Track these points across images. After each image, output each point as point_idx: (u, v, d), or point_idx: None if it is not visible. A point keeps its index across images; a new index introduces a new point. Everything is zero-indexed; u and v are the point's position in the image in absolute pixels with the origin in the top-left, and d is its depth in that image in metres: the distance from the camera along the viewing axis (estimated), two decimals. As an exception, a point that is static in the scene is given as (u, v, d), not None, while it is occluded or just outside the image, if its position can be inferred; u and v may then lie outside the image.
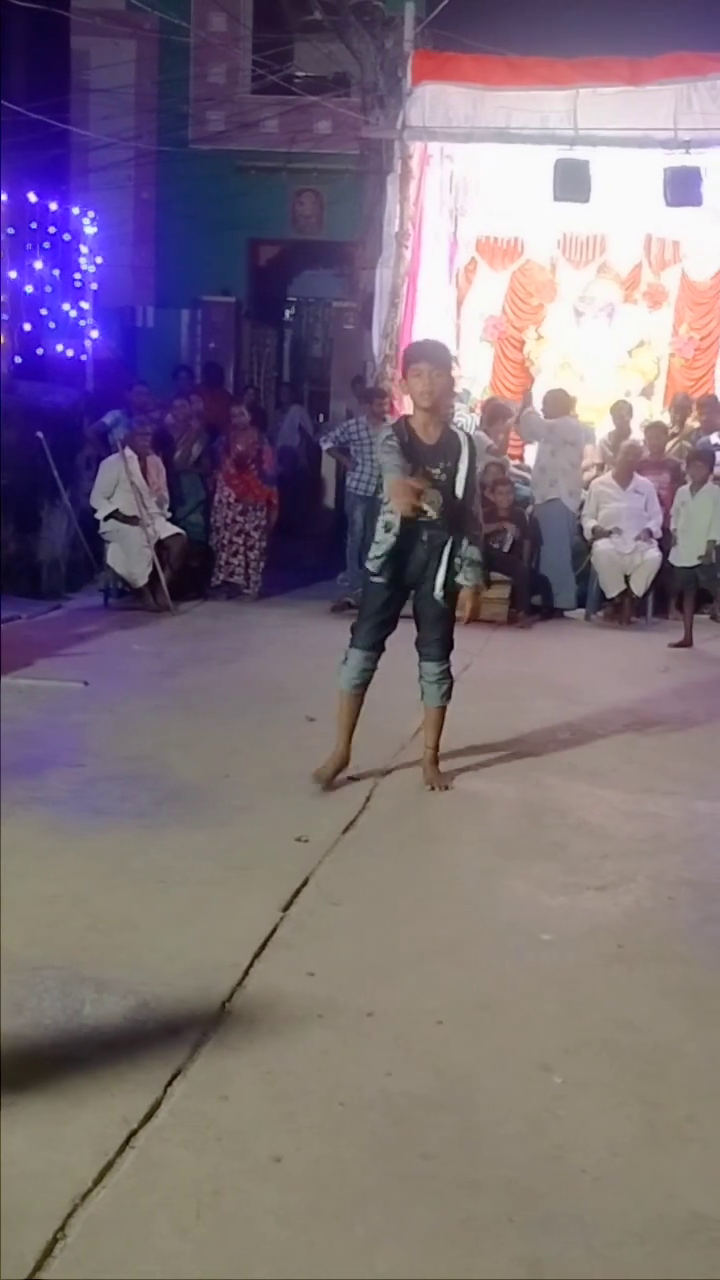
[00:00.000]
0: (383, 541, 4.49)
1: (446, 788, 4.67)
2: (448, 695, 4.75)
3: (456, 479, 4.47)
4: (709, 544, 8.45)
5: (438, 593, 4.54)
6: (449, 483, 4.46)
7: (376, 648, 4.59)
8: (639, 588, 9.09)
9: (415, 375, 4.45)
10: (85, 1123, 2.35)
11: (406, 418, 4.63)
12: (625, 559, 9.07)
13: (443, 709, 4.75)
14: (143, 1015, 2.78)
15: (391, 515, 4.43)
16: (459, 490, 4.48)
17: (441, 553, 4.51)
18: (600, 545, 9.15)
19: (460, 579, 4.54)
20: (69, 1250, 2.00)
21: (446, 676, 4.73)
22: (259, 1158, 2.28)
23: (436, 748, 4.76)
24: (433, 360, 4.50)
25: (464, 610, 4.61)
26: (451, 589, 4.56)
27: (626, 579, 9.11)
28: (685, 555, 8.60)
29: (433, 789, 4.64)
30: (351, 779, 4.67)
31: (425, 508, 4.36)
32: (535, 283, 11.63)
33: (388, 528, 4.47)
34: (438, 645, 4.67)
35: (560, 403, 9.58)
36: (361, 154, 11.31)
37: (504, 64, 9.83)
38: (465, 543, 4.53)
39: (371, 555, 4.56)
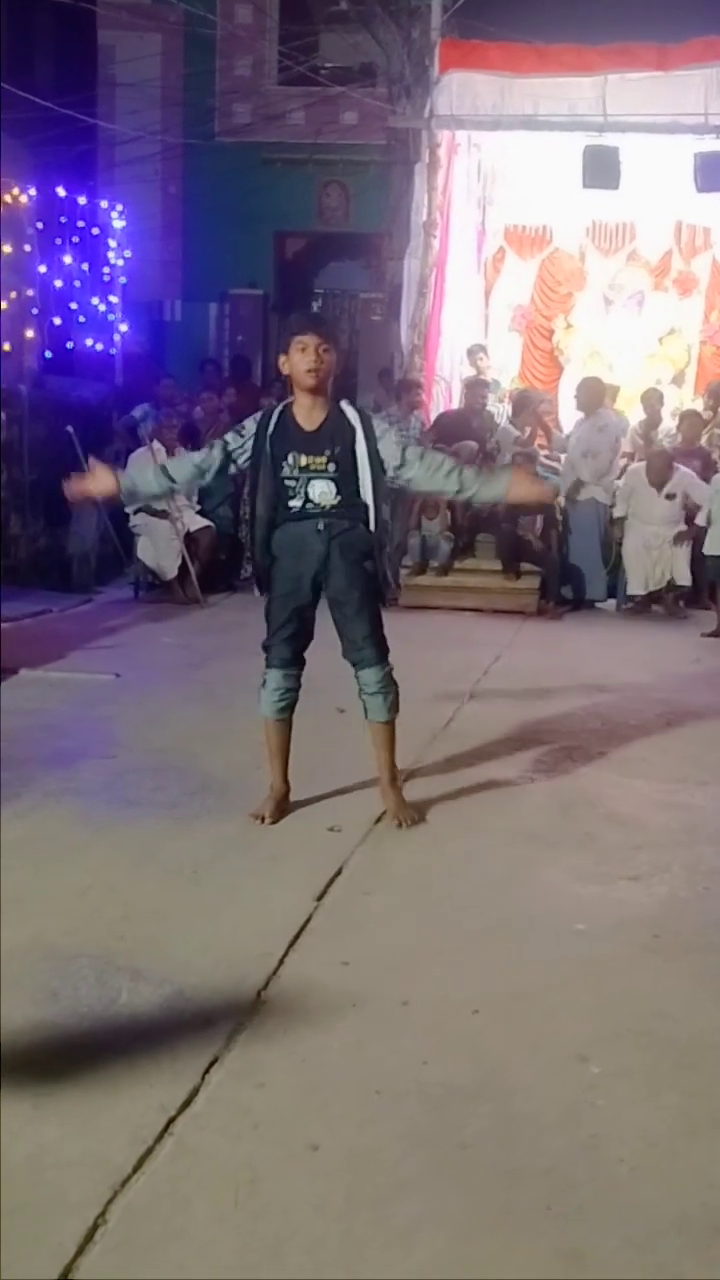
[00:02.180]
0: (258, 540, 4.03)
1: (414, 821, 4.07)
2: (394, 707, 4.08)
3: (358, 463, 3.85)
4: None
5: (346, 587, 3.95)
6: (344, 470, 3.85)
7: (293, 663, 4.07)
8: (681, 576, 8.99)
9: (300, 349, 3.79)
10: (122, 1111, 2.36)
11: (288, 404, 3.92)
12: (654, 552, 8.99)
13: (391, 724, 4.10)
14: (178, 1004, 2.79)
15: (258, 529, 4.00)
16: (362, 475, 3.86)
17: (343, 541, 3.91)
18: (629, 542, 9.08)
19: (497, 487, 3.98)
20: (109, 1236, 2.01)
21: (389, 684, 4.05)
22: (296, 1146, 2.29)
23: (393, 770, 4.15)
24: (320, 333, 3.83)
25: (531, 490, 4.06)
26: (368, 586, 3.98)
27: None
28: (716, 544, 8.53)
29: (400, 825, 4.03)
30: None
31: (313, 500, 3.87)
32: (564, 271, 11.56)
33: (255, 539, 4.05)
34: (370, 648, 4.01)
35: (594, 392, 9.52)
36: (388, 144, 11.29)
37: (531, 51, 9.78)
38: (456, 482, 3.92)
39: (254, 558, 4.08)
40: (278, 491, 3.91)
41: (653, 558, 9.01)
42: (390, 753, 4.14)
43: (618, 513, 9.23)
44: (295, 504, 3.91)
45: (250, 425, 3.95)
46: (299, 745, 5.05)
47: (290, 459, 3.87)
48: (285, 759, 4.17)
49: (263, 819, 4.06)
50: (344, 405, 3.96)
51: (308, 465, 3.86)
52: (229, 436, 4.00)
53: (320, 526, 3.91)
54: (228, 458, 3.98)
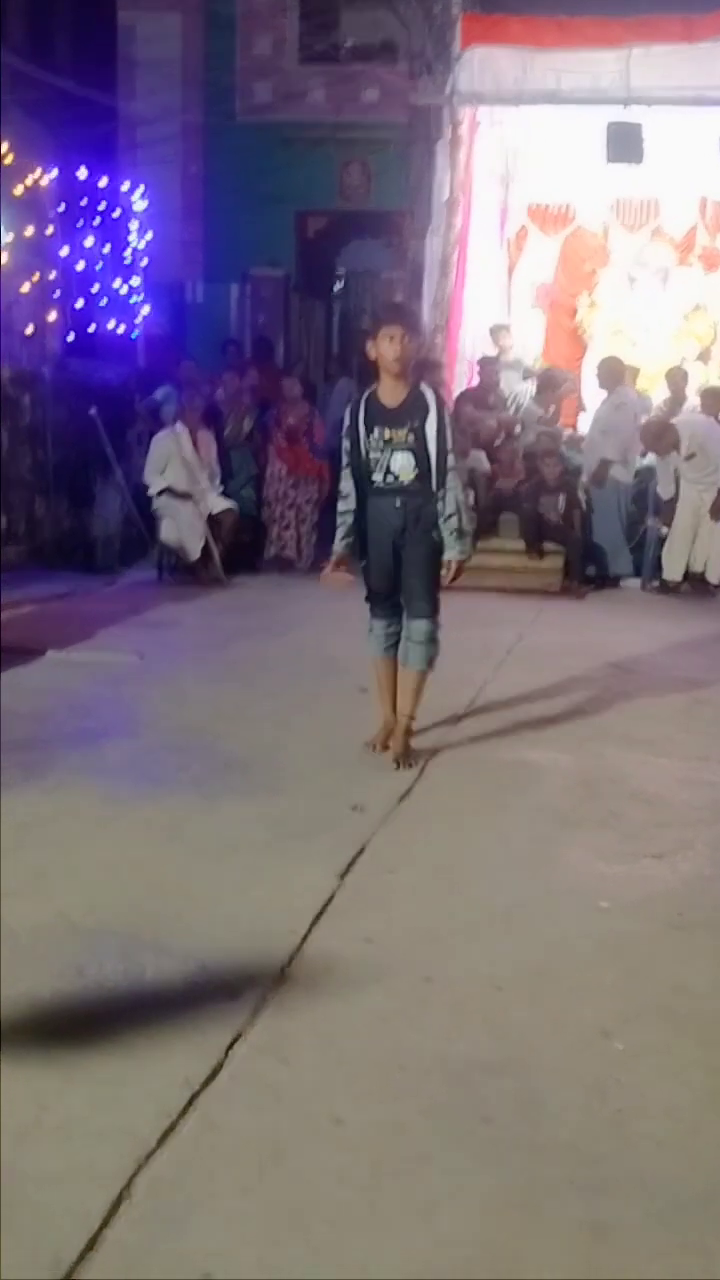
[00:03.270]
0: (342, 523, 4.57)
1: (411, 765, 4.49)
2: (430, 662, 4.58)
3: (426, 439, 4.39)
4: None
5: (415, 553, 4.50)
6: (418, 444, 4.40)
7: (392, 612, 4.63)
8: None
9: (389, 339, 4.37)
10: (148, 1084, 2.38)
11: (375, 386, 4.52)
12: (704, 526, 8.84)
13: (422, 675, 4.59)
14: (202, 979, 2.81)
15: (345, 497, 4.54)
16: (431, 450, 4.40)
17: (418, 514, 4.45)
18: (682, 515, 8.90)
19: (446, 554, 4.47)
20: (134, 1208, 2.02)
21: (431, 639, 4.57)
22: (320, 1119, 2.30)
23: (411, 718, 4.62)
24: (406, 324, 4.47)
25: (448, 577, 4.52)
26: (430, 550, 4.49)
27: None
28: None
29: (398, 766, 4.46)
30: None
31: (394, 474, 4.41)
32: (587, 248, 11.43)
33: (343, 514, 4.56)
34: (423, 601, 4.55)
35: (613, 372, 9.44)
36: (409, 122, 11.17)
37: (554, 24, 9.64)
38: (449, 510, 4.44)
39: (337, 539, 4.59)
40: (366, 466, 4.46)
41: (703, 532, 8.83)
42: (413, 700, 4.60)
43: (666, 492, 9.04)
44: (378, 478, 4.46)
45: (346, 419, 4.53)
46: (321, 724, 5.08)
47: (376, 432, 4.43)
48: (393, 693, 4.65)
49: (374, 747, 4.60)
50: (423, 387, 4.53)
51: (390, 438, 4.41)
52: (346, 442, 4.53)
53: (398, 504, 4.46)
54: (362, 455, 4.48)
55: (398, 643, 4.62)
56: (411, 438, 4.39)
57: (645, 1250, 2.00)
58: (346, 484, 4.57)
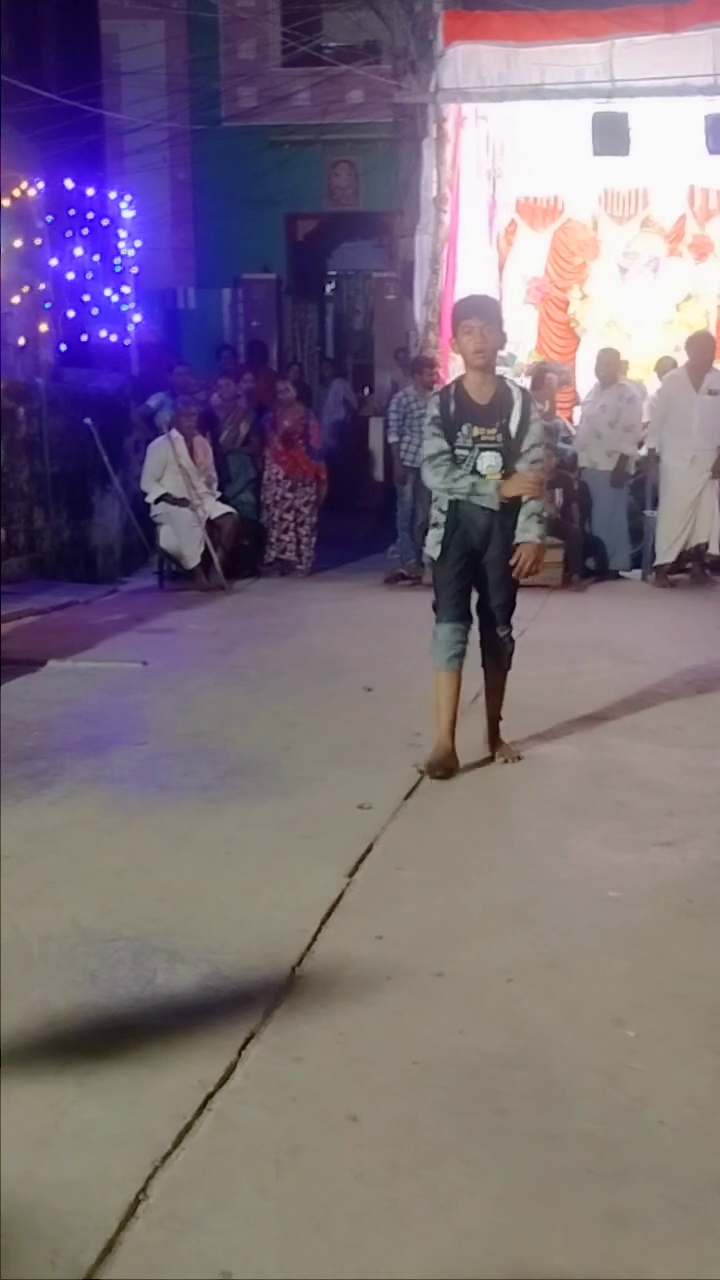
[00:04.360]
0: (440, 526, 4.39)
1: (519, 758, 4.54)
2: (509, 660, 4.59)
3: (512, 436, 4.29)
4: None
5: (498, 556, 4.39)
6: (506, 441, 4.29)
7: (463, 618, 4.45)
8: (708, 536, 8.87)
9: (466, 332, 4.27)
10: (162, 1087, 2.38)
11: (460, 380, 4.43)
12: (690, 495, 8.79)
13: (506, 674, 4.60)
14: (215, 982, 2.81)
15: (441, 504, 4.37)
16: (523, 446, 4.30)
17: (505, 517, 4.34)
18: (667, 494, 8.87)
19: (520, 534, 4.35)
20: (151, 1210, 2.03)
21: (510, 640, 4.57)
22: (335, 1117, 2.30)
23: (498, 716, 4.61)
24: (484, 315, 4.31)
25: (521, 568, 4.39)
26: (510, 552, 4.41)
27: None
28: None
29: (506, 761, 4.51)
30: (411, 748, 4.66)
31: (484, 474, 4.28)
32: (577, 241, 11.44)
33: (442, 511, 4.38)
34: (503, 610, 4.51)
35: (613, 365, 9.44)
36: (395, 121, 11.21)
37: (536, 19, 9.65)
38: (525, 498, 4.35)
39: (430, 542, 4.46)
40: (455, 462, 4.29)
41: (688, 504, 8.77)
42: (500, 697, 4.57)
43: (650, 443, 8.96)
44: (470, 477, 4.28)
45: (434, 410, 4.36)
46: (327, 725, 5.08)
47: (464, 430, 4.27)
48: (454, 711, 4.40)
49: (429, 772, 4.31)
50: (508, 381, 4.47)
51: (480, 436, 4.26)
52: (435, 428, 4.33)
53: (486, 505, 4.29)
54: (450, 444, 4.30)
55: (464, 654, 4.44)
56: (500, 436, 4.27)
57: (665, 1237, 2.00)
58: (437, 477, 4.32)
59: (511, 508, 4.33)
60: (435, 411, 4.36)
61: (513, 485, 4.29)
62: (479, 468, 4.28)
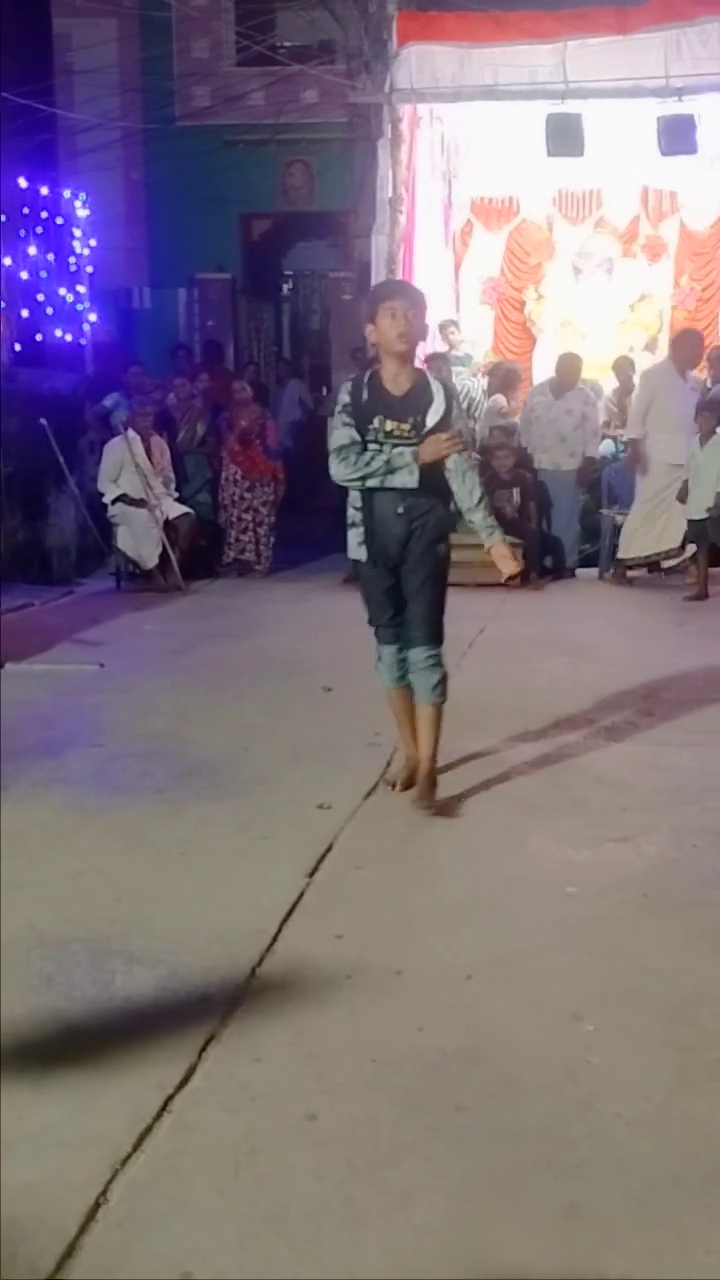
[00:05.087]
0: (359, 526, 3.97)
1: (437, 810, 3.97)
2: (443, 690, 4.03)
3: (428, 432, 3.83)
4: (718, 495, 8.37)
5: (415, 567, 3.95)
6: (421, 438, 3.82)
7: (401, 637, 4.08)
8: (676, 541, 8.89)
9: (388, 315, 3.81)
10: (121, 1090, 2.37)
11: (376, 369, 3.96)
12: (669, 492, 8.77)
13: (436, 708, 4.03)
14: (173, 984, 2.80)
15: (355, 500, 3.95)
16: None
17: (423, 523, 3.91)
18: (647, 495, 8.79)
19: (489, 539, 4.04)
20: (110, 1213, 2.02)
21: (439, 664, 4.02)
22: (294, 1116, 2.30)
23: (434, 760, 4.06)
24: (408, 299, 3.89)
25: (510, 574, 4.12)
26: (432, 563, 3.96)
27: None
28: (695, 507, 8.54)
29: (432, 812, 3.95)
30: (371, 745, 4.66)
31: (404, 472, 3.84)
32: (532, 242, 11.51)
33: (357, 509, 3.95)
34: (422, 628, 3.99)
35: (575, 371, 9.49)
36: (350, 121, 11.22)
37: (489, 20, 9.69)
38: (475, 499, 3.97)
39: (352, 543, 4.02)
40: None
41: (666, 501, 8.74)
42: (431, 737, 4.04)
43: (631, 433, 8.81)
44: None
45: (345, 398, 3.94)
46: (285, 725, 5.08)
47: (376, 422, 3.85)
48: (413, 725, 4.14)
49: (393, 786, 4.16)
50: (430, 376, 4.01)
51: (392, 430, 3.84)
52: (345, 417, 3.92)
53: (400, 509, 3.89)
54: (361, 436, 3.89)
55: (409, 670, 4.11)
56: (414, 433, 3.83)
57: (621, 1229, 2.02)
58: (345, 468, 3.87)
59: (427, 507, 3.91)
60: (346, 399, 3.93)
61: (429, 448, 3.81)
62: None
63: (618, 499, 9.46)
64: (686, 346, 9.04)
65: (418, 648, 4.01)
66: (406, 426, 3.83)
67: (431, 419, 3.83)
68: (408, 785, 4.15)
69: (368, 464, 3.86)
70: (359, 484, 3.91)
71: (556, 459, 9.37)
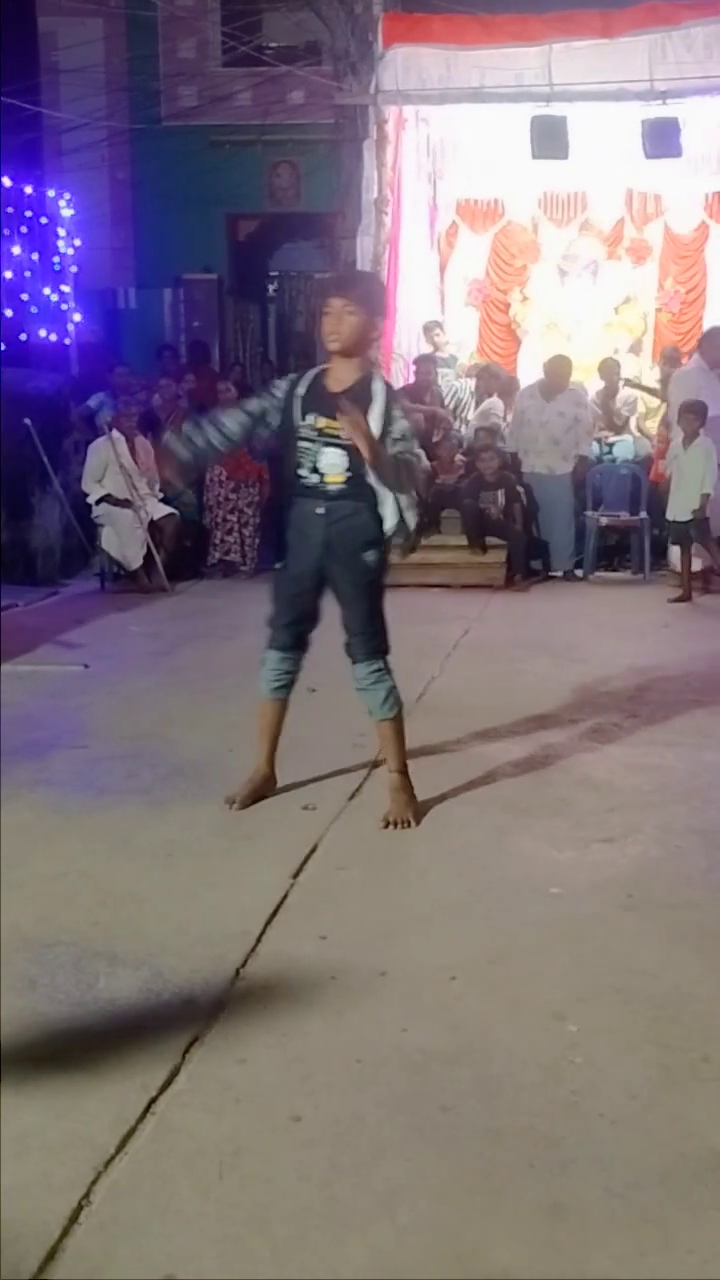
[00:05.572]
0: (197, 430, 3.88)
1: (404, 826, 3.83)
2: (394, 704, 3.91)
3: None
4: (702, 497, 8.40)
5: (348, 573, 3.80)
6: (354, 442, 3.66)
7: (296, 646, 3.95)
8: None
9: (324, 312, 3.73)
10: (104, 1093, 2.36)
11: (327, 366, 3.84)
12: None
13: (392, 721, 3.92)
14: (157, 986, 2.79)
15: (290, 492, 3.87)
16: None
17: (346, 528, 3.75)
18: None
19: (388, 521, 3.77)
20: (93, 1215, 2.01)
21: (382, 679, 3.88)
22: (278, 1118, 2.30)
23: (403, 771, 3.93)
24: (346, 294, 3.71)
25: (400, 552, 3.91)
26: (359, 571, 3.82)
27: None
28: (679, 509, 8.57)
29: (386, 825, 3.82)
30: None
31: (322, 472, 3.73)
32: (518, 244, 11.53)
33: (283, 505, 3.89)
34: (360, 642, 3.87)
35: (565, 374, 9.51)
36: (336, 122, 11.20)
37: (475, 22, 9.72)
38: (391, 502, 3.76)
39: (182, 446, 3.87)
40: (294, 457, 3.78)
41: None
42: (394, 750, 3.94)
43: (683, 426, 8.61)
44: (304, 474, 3.77)
45: (282, 384, 3.85)
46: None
47: (309, 419, 3.75)
48: (273, 742, 4.06)
49: (234, 802, 4.00)
50: (375, 376, 3.87)
51: (324, 429, 3.72)
52: (264, 395, 3.90)
53: (321, 510, 3.76)
54: (265, 416, 3.85)
55: (292, 684, 4.01)
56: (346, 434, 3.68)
57: (605, 1228, 2.02)
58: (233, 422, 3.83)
59: (349, 510, 3.76)
60: (280, 383, 3.87)
61: (349, 421, 3.61)
62: (319, 464, 3.73)
63: (602, 501, 9.48)
64: (718, 342, 9.07)
65: (358, 665, 3.89)
66: (339, 425, 3.68)
67: (373, 419, 3.67)
68: (248, 803, 4.00)
69: (205, 438, 3.82)
70: (189, 455, 3.86)
71: (550, 462, 9.39)
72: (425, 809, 4.03)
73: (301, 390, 3.79)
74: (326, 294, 3.81)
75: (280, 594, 3.96)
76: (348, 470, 3.73)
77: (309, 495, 3.79)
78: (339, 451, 3.72)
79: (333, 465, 3.74)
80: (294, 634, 3.95)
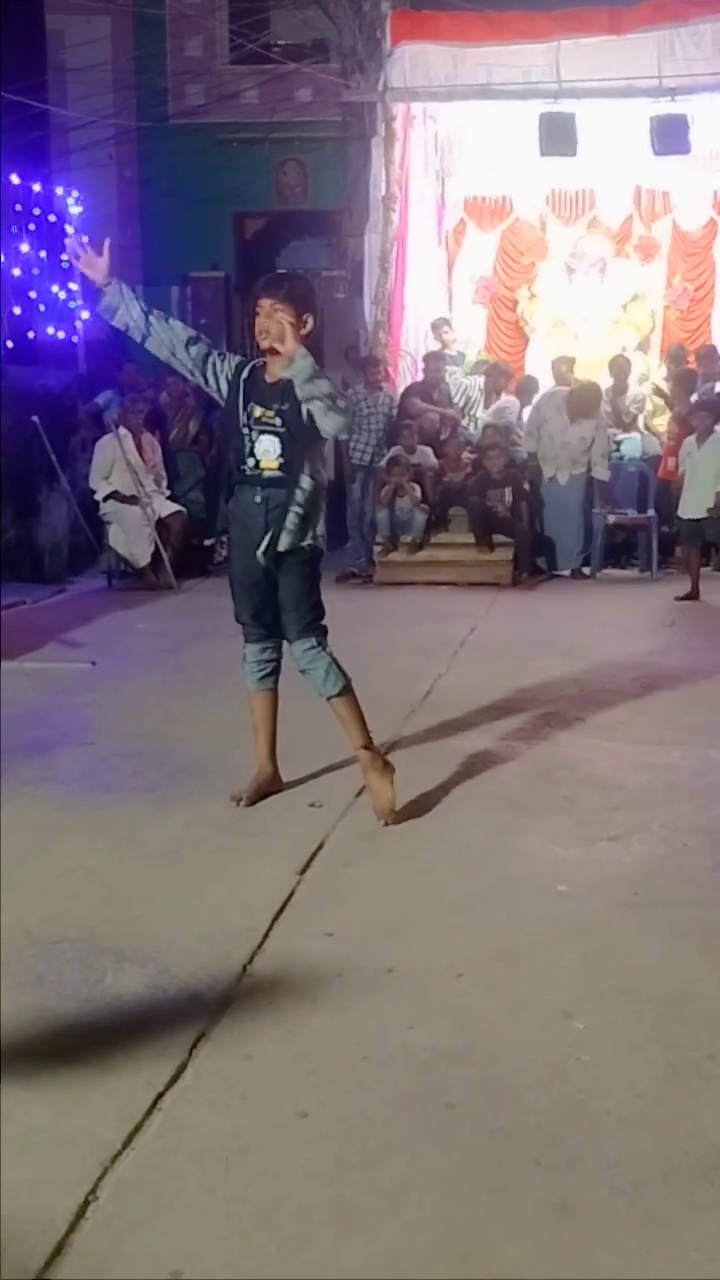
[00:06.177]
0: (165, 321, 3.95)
1: (392, 819, 3.83)
2: (337, 678, 3.89)
3: (299, 420, 3.77)
4: (717, 495, 8.37)
5: (264, 554, 3.83)
6: (289, 425, 3.78)
7: (270, 636, 4.00)
8: None
9: (256, 312, 3.81)
10: (111, 1088, 2.37)
11: (266, 359, 3.90)
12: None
13: (345, 697, 3.90)
14: (163, 982, 2.80)
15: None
16: (295, 432, 3.79)
17: (282, 514, 3.83)
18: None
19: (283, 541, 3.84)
20: (100, 1211, 2.02)
21: (319, 655, 3.89)
22: (284, 1114, 2.30)
23: (371, 749, 3.91)
24: (275, 294, 3.76)
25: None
26: (301, 558, 3.88)
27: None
28: (691, 507, 8.55)
29: (391, 814, 3.84)
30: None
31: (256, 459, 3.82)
32: (525, 241, 11.53)
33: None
34: (292, 621, 3.91)
35: (595, 400, 9.50)
36: (343, 120, 11.20)
37: (482, 19, 9.72)
38: (299, 498, 3.84)
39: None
40: (237, 443, 3.88)
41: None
42: (354, 727, 3.92)
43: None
44: (244, 462, 3.87)
45: (233, 360, 3.95)
46: (278, 721, 5.06)
47: (248, 409, 3.85)
48: (270, 736, 4.08)
49: (239, 800, 4.01)
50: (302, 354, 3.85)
51: (260, 417, 3.83)
52: (220, 356, 3.97)
53: (259, 498, 3.85)
54: (210, 364, 3.92)
55: (276, 671, 4.06)
56: (279, 420, 3.79)
57: (610, 1226, 2.02)
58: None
59: (284, 498, 3.83)
60: (231, 357, 3.96)
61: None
62: (255, 451, 3.83)
63: (611, 499, 9.48)
64: None
65: (294, 645, 3.94)
66: (272, 413, 3.80)
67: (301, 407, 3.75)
68: (254, 800, 4.01)
69: (153, 312, 3.92)
70: (123, 303, 3.95)
71: (562, 469, 9.41)
72: (430, 805, 4.04)
73: (245, 376, 3.89)
74: (257, 295, 3.87)
75: (236, 587, 4.03)
76: (280, 456, 3.83)
77: (248, 483, 3.88)
78: (273, 439, 3.82)
79: (266, 452, 3.83)
80: (262, 624, 4.00)
